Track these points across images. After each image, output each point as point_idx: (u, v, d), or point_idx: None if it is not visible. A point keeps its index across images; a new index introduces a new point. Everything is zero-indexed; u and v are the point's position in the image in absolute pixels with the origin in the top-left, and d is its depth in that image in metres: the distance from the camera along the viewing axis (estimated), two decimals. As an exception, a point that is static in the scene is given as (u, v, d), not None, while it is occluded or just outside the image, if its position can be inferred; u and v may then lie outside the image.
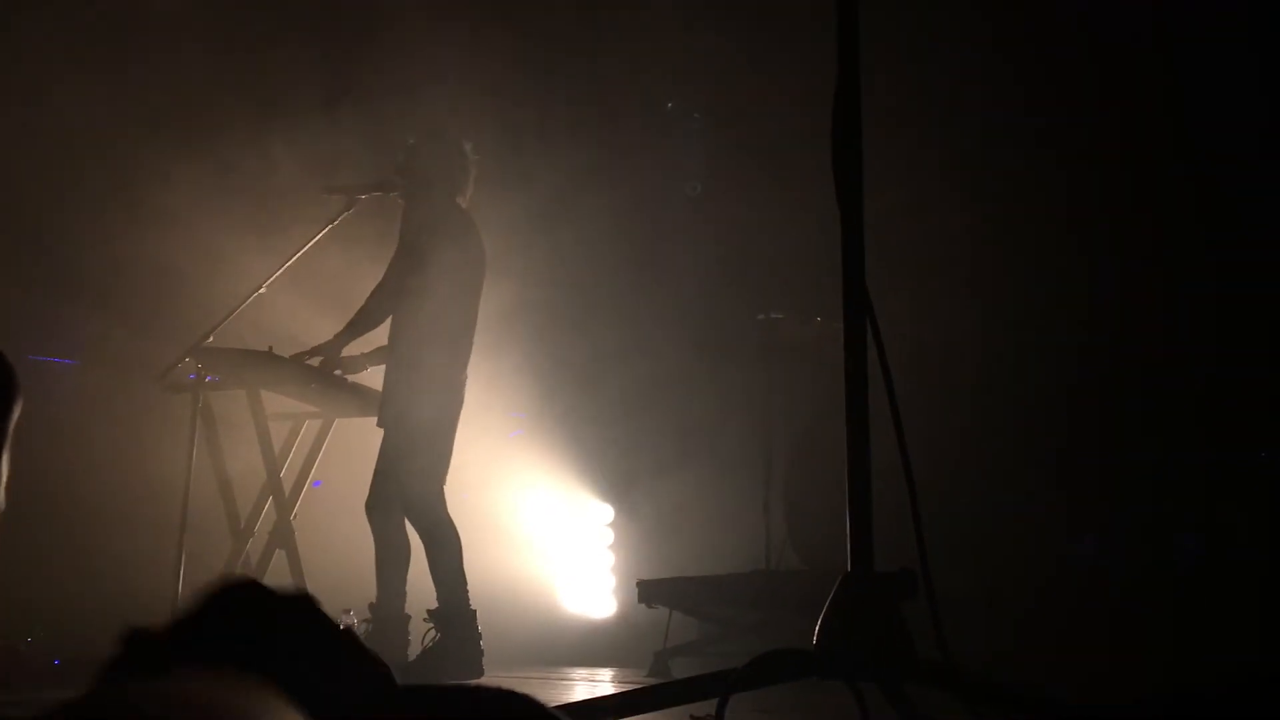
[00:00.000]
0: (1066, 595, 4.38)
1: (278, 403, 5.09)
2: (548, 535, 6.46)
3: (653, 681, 3.99)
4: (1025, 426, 4.97)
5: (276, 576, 4.91)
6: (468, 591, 4.52)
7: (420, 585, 4.59)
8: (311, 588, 4.82)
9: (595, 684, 4.59)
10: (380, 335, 4.84)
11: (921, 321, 4.75)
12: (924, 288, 4.90)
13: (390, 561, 4.60)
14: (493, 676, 4.35)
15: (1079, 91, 5.08)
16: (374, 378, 4.89)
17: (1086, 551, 4.75)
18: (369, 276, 4.83)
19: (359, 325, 4.80)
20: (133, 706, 0.44)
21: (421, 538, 4.56)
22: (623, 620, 6.15)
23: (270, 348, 4.75)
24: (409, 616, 4.60)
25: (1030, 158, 5.10)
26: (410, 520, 4.60)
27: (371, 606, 4.59)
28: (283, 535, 4.87)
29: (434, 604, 4.50)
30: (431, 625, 4.46)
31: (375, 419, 4.70)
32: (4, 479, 0.73)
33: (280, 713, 0.48)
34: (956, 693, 1.98)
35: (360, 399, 4.87)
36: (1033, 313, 5.02)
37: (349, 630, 0.54)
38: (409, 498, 4.56)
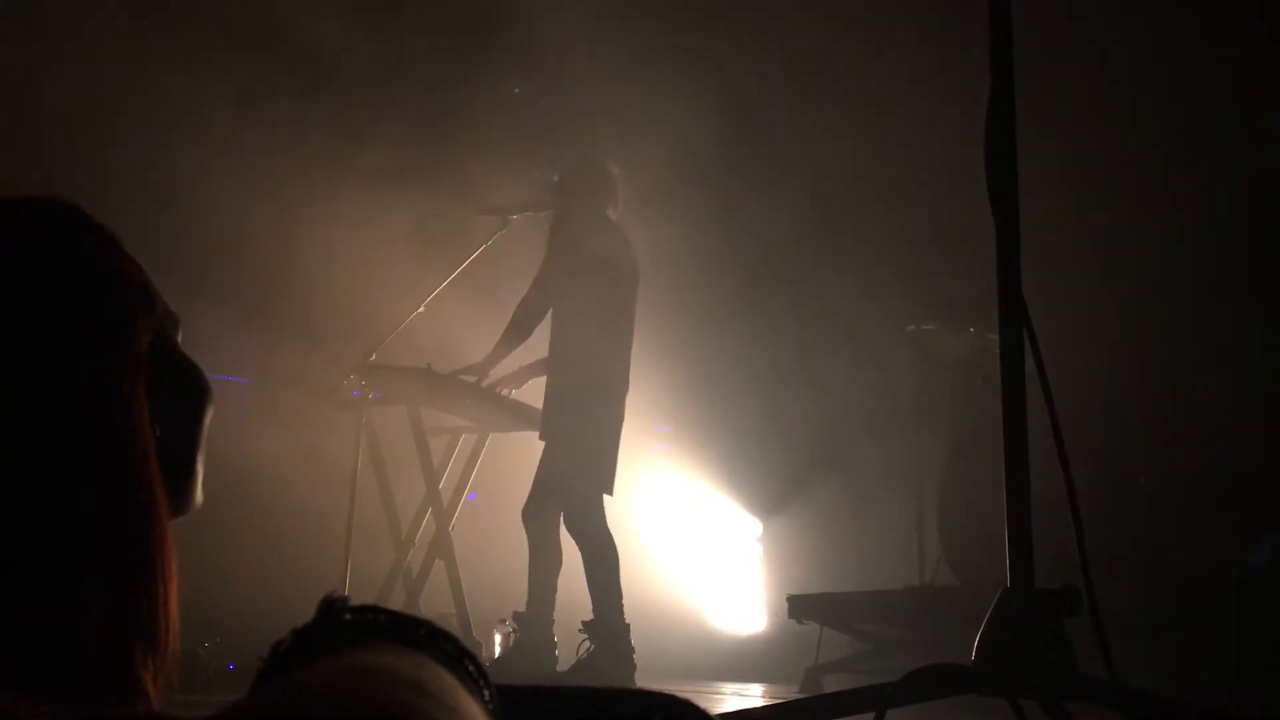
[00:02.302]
0: (1241, 607, 4.15)
1: (434, 417, 5.24)
2: (697, 550, 6.46)
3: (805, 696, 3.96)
4: (1193, 428, 4.76)
5: (435, 585, 5.06)
6: (623, 605, 4.57)
7: (576, 596, 4.66)
8: (468, 595, 4.95)
9: (746, 699, 4.58)
10: (539, 349, 4.94)
11: (1083, 327, 4.61)
12: (1084, 292, 4.75)
13: (542, 569, 4.67)
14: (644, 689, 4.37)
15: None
16: (527, 392, 5.00)
17: (1263, 560, 4.49)
18: (518, 292, 4.95)
19: (509, 340, 4.93)
20: (346, 674, 0.46)
21: (582, 550, 4.62)
22: (773, 636, 6.11)
23: (429, 364, 4.90)
24: (553, 621, 4.67)
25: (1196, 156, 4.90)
26: (571, 533, 4.65)
27: (516, 615, 4.68)
28: (441, 545, 5.01)
29: (589, 615, 4.56)
30: (586, 636, 4.52)
31: (528, 433, 4.80)
32: (200, 477, 0.81)
33: (465, 699, 0.50)
34: (1123, 710, 1.91)
35: (513, 413, 4.98)
36: (1202, 312, 4.82)
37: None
38: (570, 510, 4.63)
